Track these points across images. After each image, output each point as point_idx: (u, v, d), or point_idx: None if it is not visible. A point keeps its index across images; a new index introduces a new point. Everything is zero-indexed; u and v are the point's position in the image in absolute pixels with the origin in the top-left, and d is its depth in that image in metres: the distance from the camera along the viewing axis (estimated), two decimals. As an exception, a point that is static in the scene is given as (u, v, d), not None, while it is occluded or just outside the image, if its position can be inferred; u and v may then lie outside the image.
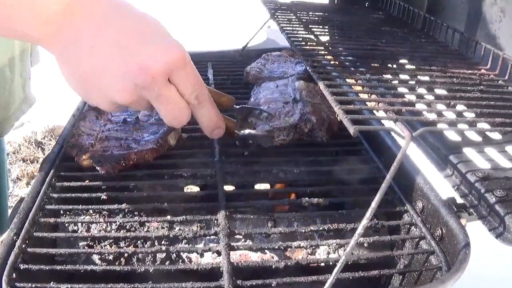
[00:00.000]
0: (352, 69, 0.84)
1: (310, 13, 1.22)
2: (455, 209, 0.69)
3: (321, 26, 1.11)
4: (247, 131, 0.84)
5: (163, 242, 0.68)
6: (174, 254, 0.69)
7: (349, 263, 0.63)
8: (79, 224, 0.72)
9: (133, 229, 0.72)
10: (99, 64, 0.61)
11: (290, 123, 0.86)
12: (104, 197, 0.74)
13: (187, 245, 0.69)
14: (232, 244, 0.65)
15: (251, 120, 0.87)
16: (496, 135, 0.85)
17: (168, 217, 0.71)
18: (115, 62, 0.61)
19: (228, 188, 0.77)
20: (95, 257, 0.69)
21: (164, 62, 0.62)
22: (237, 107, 0.86)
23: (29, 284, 0.57)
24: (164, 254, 0.69)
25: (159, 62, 0.61)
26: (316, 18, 1.20)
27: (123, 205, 0.73)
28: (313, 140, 0.88)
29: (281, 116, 0.88)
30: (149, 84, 0.62)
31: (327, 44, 0.98)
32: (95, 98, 0.65)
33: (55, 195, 0.75)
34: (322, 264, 0.66)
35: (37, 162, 2.71)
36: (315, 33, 1.03)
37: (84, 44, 0.61)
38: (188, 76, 0.65)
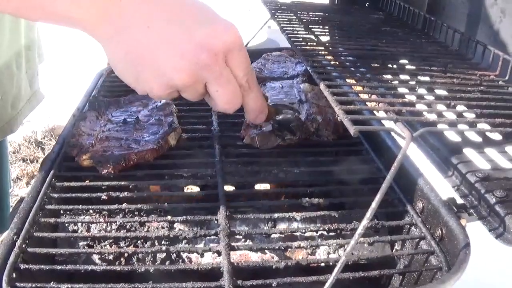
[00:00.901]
0: (353, 69, 0.84)
1: (310, 13, 1.22)
2: (455, 210, 0.69)
3: (321, 26, 1.11)
4: (281, 116, 0.86)
5: (163, 242, 0.69)
6: (174, 254, 0.69)
7: (349, 263, 0.63)
8: (79, 224, 0.72)
9: (133, 229, 0.72)
10: (158, 43, 0.59)
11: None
12: (104, 197, 0.74)
13: (187, 245, 0.69)
14: (232, 244, 0.65)
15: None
16: (496, 136, 0.85)
17: (168, 217, 0.71)
18: (175, 41, 0.59)
19: (228, 188, 0.77)
20: (95, 257, 0.70)
21: (224, 41, 0.61)
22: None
23: (29, 284, 0.57)
24: (164, 254, 0.69)
25: (220, 40, 0.61)
26: (317, 18, 1.20)
27: (123, 205, 0.73)
28: (319, 139, 0.89)
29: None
30: (211, 62, 0.60)
31: (327, 44, 0.98)
32: (149, 81, 0.62)
33: (55, 195, 0.75)
34: (322, 264, 0.66)
35: (37, 162, 2.70)
36: (315, 33, 1.03)
37: (140, 25, 0.59)
38: (242, 58, 0.65)
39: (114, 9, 0.58)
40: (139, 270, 0.61)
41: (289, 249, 0.70)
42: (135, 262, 0.69)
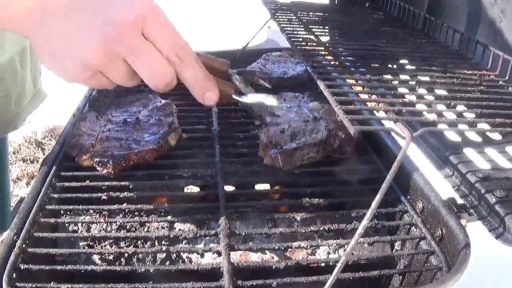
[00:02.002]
0: (353, 69, 0.84)
1: (310, 13, 1.22)
2: (455, 210, 0.69)
3: (321, 26, 1.11)
4: (249, 96, 0.70)
5: (163, 242, 0.69)
6: (174, 254, 0.69)
7: (349, 263, 0.63)
8: (79, 224, 0.72)
9: (133, 229, 0.72)
10: (73, 29, 0.58)
11: (319, 139, 0.84)
12: (104, 197, 0.74)
13: (187, 245, 0.69)
14: (232, 244, 0.65)
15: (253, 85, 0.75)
16: (496, 136, 0.85)
17: (169, 217, 0.71)
18: (88, 24, 0.58)
19: (228, 188, 0.77)
20: (95, 257, 0.70)
21: (133, 11, 0.57)
22: (234, 70, 0.71)
23: (29, 284, 0.57)
24: (164, 254, 0.69)
25: (128, 11, 0.57)
26: (317, 18, 1.20)
27: (123, 205, 0.73)
28: (341, 156, 0.86)
29: (305, 133, 0.86)
30: (120, 34, 0.57)
31: (327, 44, 0.98)
32: (70, 68, 0.60)
33: (55, 195, 0.75)
34: (322, 264, 0.66)
35: (37, 162, 2.70)
36: (315, 33, 1.03)
37: (60, 16, 0.59)
38: (163, 28, 0.60)
39: (39, 6, 0.58)
40: (139, 270, 0.61)
41: (289, 249, 0.70)
42: (135, 262, 0.69)
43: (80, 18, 0.59)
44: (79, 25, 0.59)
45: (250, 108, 0.75)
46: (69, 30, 0.59)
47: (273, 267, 0.62)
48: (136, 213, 0.73)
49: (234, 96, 0.68)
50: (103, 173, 0.79)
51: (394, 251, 0.73)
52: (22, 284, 0.58)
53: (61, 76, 0.63)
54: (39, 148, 2.83)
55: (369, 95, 0.81)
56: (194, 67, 0.63)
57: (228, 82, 0.70)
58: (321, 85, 0.73)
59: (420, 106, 0.73)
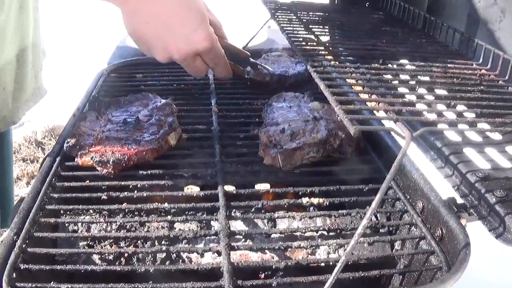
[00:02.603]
0: (353, 69, 0.84)
1: (310, 13, 1.22)
2: (455, 209, 0.69)
3: (321, 26, 1.11)
4: (251, 75, 1.13)
5: (163, 242, 0.68)
6: (174, 254, 0.69)
7: (349, 263, 0.63)
8: (79, 224, 0.72)
9: (133, 229, 0.72)
10: (151, 36, 0.87)
11: (319, 138, 0.83)
12: (104, 197, 0.74)
13: (187, 245, 0.69)
14: (232, 244, 0.65)
15: (259, 68, 1.14)
16: (496, 135, 0.85)
17: (168, 217, 0.71)
18: (161, 39, 0.87)
19: (229, 188, 0.77)
20: (95, 257, 0.70)
21: (194, 49, 0.89)
22: (251, 59, 1.14)
23: (29, 284, 0.57)
24: (164, 254, 0.69)
25: (191, 48, 0.88)
26: (317, 18, 1.20)
27: (123, 205, 0.73)
28: (341, 156, 0.86)
29: (305, 133, 0.86)
30: (182, 60, 0.90)
31: (327, 44, 0.98)
32: (146, 51, 0.91)
33: (55, 195, 0.75)
34: (322, 264, 0.66)
35: (37, 162, 2.70)
36: (315, 33, 1.03)
37: (143, 17, 0.85)
38: (212, 55, 0.93)
39: None
40: (139, 270, 0.61)
41: (289, 249, 0.70)
42: (135, 262, 0.69)
43: (157, 31, 0.86)
44: (161, 30, 0.86)
45: (251, 80, 1.14)
46: (156, 30, 0.86)
47: (273, 267, 0.62)
48: (136, 213, 0.73)
49: (243, 74, 1.12)
50: (103, 173, 0.79)
51: (394, 251, 0.73)
52: (22, 284, 0.58)
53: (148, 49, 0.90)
54: (39, 148, 2.83)
55: (369, 95, 0.81)
56: (222, 68, 0.99)
57: (239, 66, 1.10)
58: (321, 85, 0.73)
59: (420, 106, 0.73)
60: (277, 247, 0.66)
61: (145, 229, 0.72)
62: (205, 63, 0.95)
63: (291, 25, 1.09)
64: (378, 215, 0.76)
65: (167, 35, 0.86)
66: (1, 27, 0.97)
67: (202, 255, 0.69)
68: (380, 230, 0.74)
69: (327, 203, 0.75)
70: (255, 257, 0.70)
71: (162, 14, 0.84)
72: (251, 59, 1.15)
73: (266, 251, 0.70)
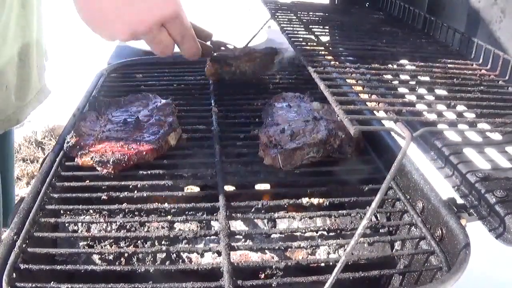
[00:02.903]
0: (353, 69, 0.84)
1: (310, 13, 1.22)
2: (455, 210, 0.69)
3: (321, 26, 1.11)
4: (220, 53, 1.11)
5: (163, 242, 0.68)
6: (174, 254, 0.69)
7: (349, 263, 0.63)
8: (79, 224, 0.72)
9: (133, 229, 0.72)
10: (109, 9, 0.75)
11: (319, 138, 0.83)
12: (104, 197, 0.74)
13: (187, 245, 0.69)
14: (232, 244, 0.65)
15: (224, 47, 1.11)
16: (496, 136, 0.85)
17: (168, 217, 0.71)
18: (121, 11, 0.76)
19: (229, 188, 0.77)
20: (95, 257, 0.70)
21: (159, 16, 0.79)
22: (214, 39, 1.08)
23: (29, 284, 0.57)
24: (164, 254, 0.69)
25: (155, 16, 0.78)
26: (317, 18, 1.20)
27: (123, 205, 0.73)
28: (341, 156, 0.85)
29: (305, 133, 0.86)
30: (146, 32, 0.79)
31: (327, 44, 0.98)
32: (101, 33, 0.79)
33: (55, 195, 0.75)
34: (322, 264, 0.66)
35: (37, 162, 2.70)
36: (315, 33, 1.03)
37: None
38: (178, 24, 0.83)
39: None
40: (139, 270, 0.61)
41: (289, 249, 0.70)
42: (135, 262, 0.69)
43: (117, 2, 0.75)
44: (118, 5, 0.75)
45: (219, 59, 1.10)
46: (109, 7, 0.75)
47: (273, 267, 0.62)
48: (136, 213, 0.73)
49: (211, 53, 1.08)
50: (103, 173, 0.79)
51: (394, 251, 0.73)
52: (22, 284, 0.58)
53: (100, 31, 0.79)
54: (39, 148, 2.83)
55: (369, 95, 0.81)
56: (190, 43, 0.89)
57: (208, 45, 1.06)
58: (321, 85, 0.73)
59: (420, 106, 0.73)
60: (277, 247, 0.66)
61: (145, 229, 0.72)
62: (171, 37, 0.85)
63: (291, 25, 1.09)
64: (378, 215, 0.76)
65: (127, 5, 0.76)
66: (3, 25, 0.97)
67: (202, 255, 0.69)
68: (380, 230, 0.74)
69: (327, 203, 0.75)
70: (255, 257, 0.70)
71: None
72: (213, 40, 1.09)
73: (266, 251, 0.70)
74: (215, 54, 1.09)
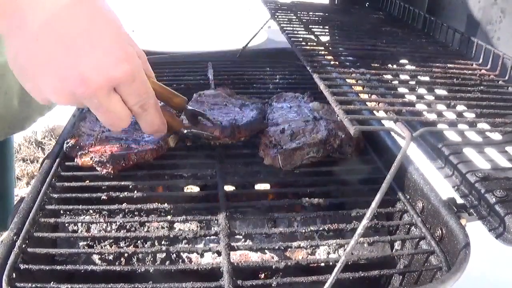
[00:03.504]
0: (353, 69, 0.84)
1: (310, 13, 1.22)
2: (455, 209, 0.69)
3: (321, 26, 1.11)
4: (193, 130, 0.84)
5: (163, 242, 0.68)
6: (174, 254, 0.69)
7: (349, 263, 0.63)
8: (79, 224, 0.72)
9: (133, 229, 0.72)
10: (42, 60, 0.56)
11: (319, 138, 0.83)
12: (104, 197, 0.74)
13: (187, 245, 0.69)
14: (232, 244, 0.65)
15: (200, 119, 0.86)
16: (496, 135, 0.85)
17: (168, 217, 0.71)
18: (57, 64, 0.56)
19: (228, 188, 0.77)
20: (95, 257, 0.70)
21: (108, 78, 0.58)
22: (189, 107, 0.85)
23: (29, 284, 0.57)
24: (164, 254, 0.69)
25: (103, 77, 0.58)
26: (317, 18, 1.20)
27: (123, 205, 0.73)
28: (341, 156, 0.85)
29: (305, 133, 0.86)
30: (89, 96, 0.59)
31: (327, 44, 0.98)
32: (31, 90, 0.61)
33: (55, 195, 0.75)
34: (322, 264, 0.66)
35: (37, 162, 2.70)
36: (315, 33, 1.03)
37: (30, 33, 0.55)
38: (134, 89, 0.62)
39: (10, 5, 0.55)
40: (139, 270, 0.61)
41: (289, 249, 0.70)
42: (135, 262, 0.69)
43: (51, 49, 0.56)
44: (49, 58, 0.56)
45: (193, 137, 0.85)
46: (38, 58, 0.57)
47: (273, 267, 0.62)
48: (136, 213, 0.73)
49: (181, 130, 0.81)
50: (103, 173, 0.79)
51: (394, 251, 0.73)
52: (22, 284, 0.58)
53: (21, 84, 0.61)
54: (39, 148, 2.83)
55: (369, 95, 0.81)
56: (152, 115, 0.69)
57: (176, 118, 0.82)
58: (321, 85, 0.73)
59: (420, 106, 0.73)
60: (277, 247, 0.66)
61: (145, 229, 0.72)
62: (126, 106, 0.64)
63: (291, 25, 1.09)
64: (378, 215, 0.76)
65: (65, 56, 0.56)
66: None
67: (202, 255, 0.69)
68: (380, 230, 0.74)
69: (327, 203, 0.75)
70: (255, 257, 0.70)
71: (58, 25, 0.56)
72: (188, 106, 0.85)
73: (266, 251, 0.70)
74: (185, 131, 0.82)
